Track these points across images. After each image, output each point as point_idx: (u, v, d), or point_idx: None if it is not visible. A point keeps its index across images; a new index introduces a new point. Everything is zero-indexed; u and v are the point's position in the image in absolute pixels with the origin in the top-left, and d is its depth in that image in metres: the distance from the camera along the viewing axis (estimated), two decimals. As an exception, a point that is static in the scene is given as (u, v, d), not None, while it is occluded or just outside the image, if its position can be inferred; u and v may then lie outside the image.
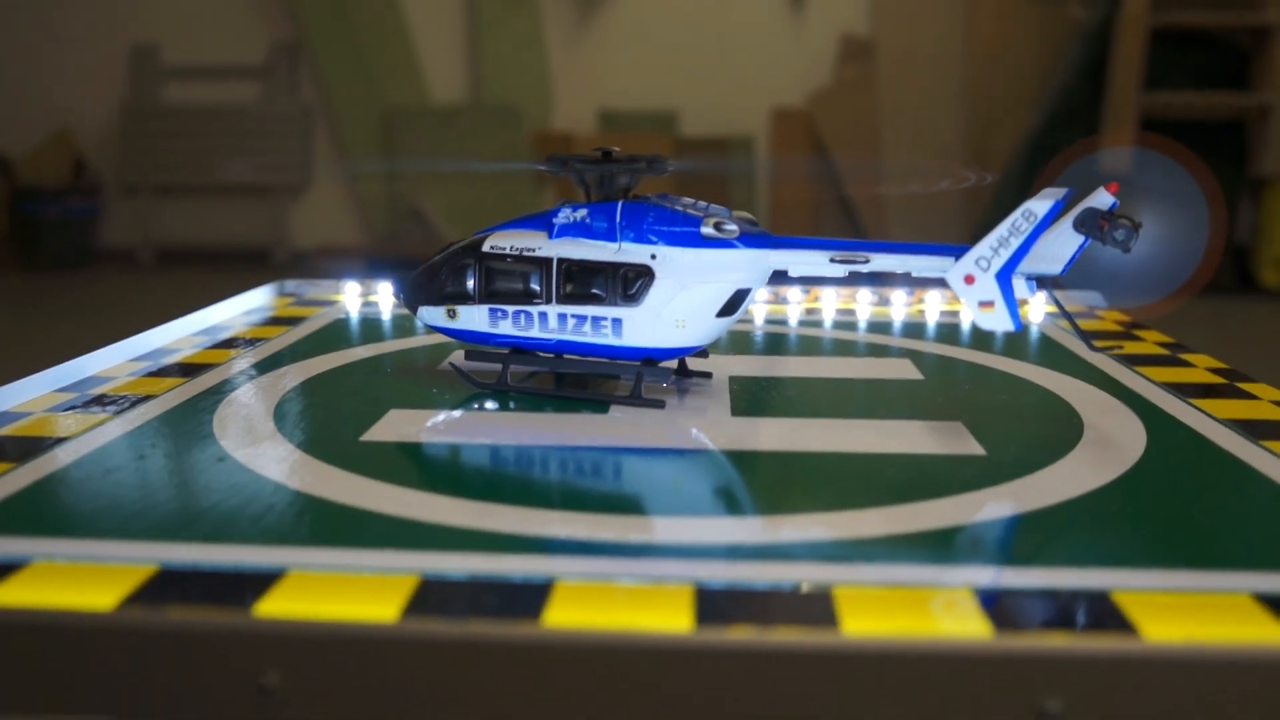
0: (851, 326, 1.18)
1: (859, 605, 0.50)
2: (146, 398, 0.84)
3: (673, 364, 0.89)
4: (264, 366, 0.95)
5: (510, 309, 0.84)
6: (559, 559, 0.56)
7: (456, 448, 0.75)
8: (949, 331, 1.16)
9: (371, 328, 1.13)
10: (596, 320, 0.82)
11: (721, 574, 0.54)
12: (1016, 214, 0.75)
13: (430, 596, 0.51)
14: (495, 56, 4.22)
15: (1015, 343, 1.12)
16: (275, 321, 1.15)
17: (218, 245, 4.27)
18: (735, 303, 0.82)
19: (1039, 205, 0.74)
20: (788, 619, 0.49)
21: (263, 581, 0.52)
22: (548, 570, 0.54)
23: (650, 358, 0.83)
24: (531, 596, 0.50)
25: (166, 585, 0.52)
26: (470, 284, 0.85)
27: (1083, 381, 0.93)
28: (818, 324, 1.20)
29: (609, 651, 0.47)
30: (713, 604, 0.50)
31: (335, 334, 1.10)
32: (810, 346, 1.11)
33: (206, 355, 0.99)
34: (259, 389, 0.87)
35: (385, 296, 1.25)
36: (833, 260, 0.80)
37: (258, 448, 0.73)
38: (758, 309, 1.26)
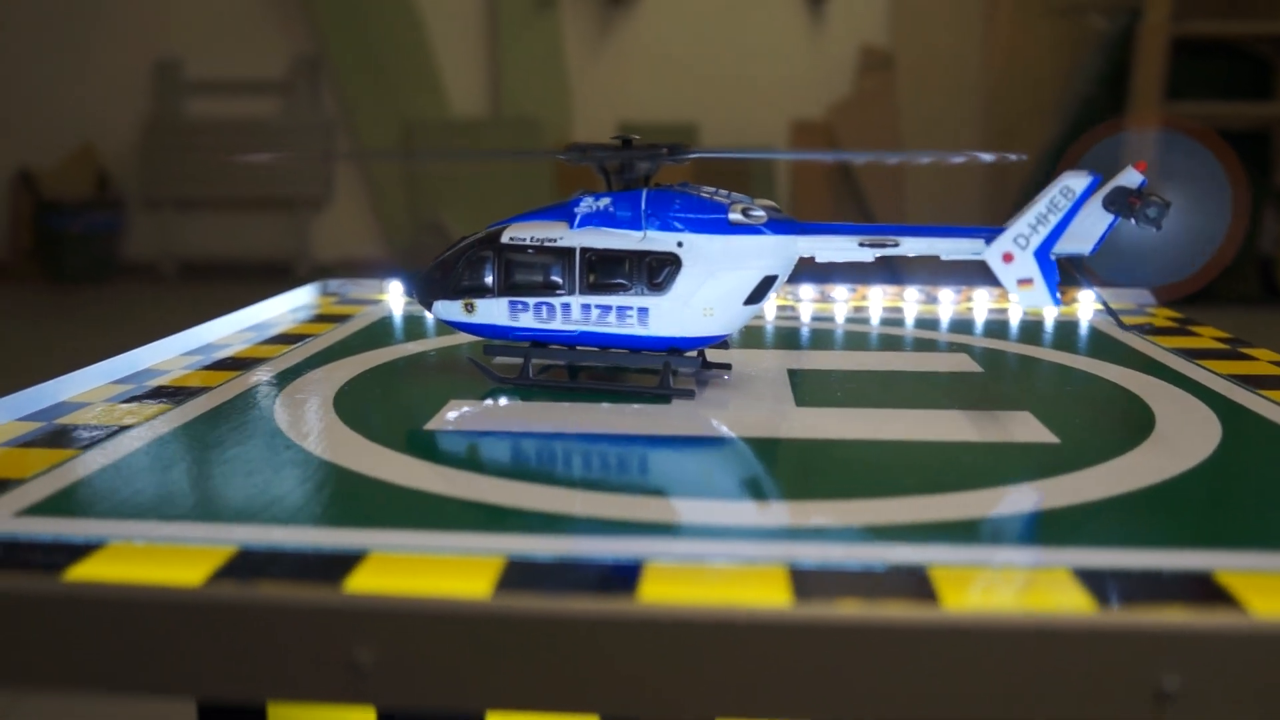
0: (900, 323, 1.17)
1: (959, 585, 0.49)
2: (204, 389, 0.83)
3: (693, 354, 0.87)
4: (316, 361, 0.94)
5: (531, 301, 0.82)
6: (646, 541, 0.55)
7: (524, 435, 0.74)
8: (998, 327, 1.15)
9: (417, 325, 1.12)
10: (622, 310, 0.80)
11: (814, 554, 0.53)
12: (1054, 191, 0.74)
13: (518, 578, 0.49)
14: (515, 70, 4.23)
15: (1066, 336, 1.10)
16: (321, 319, 1.14)
17: (239, 258, 4.28)
18: (762, 290, 0.80)
19: (1076, 182, 0.74)
20: (886, 596, 0.48)
21: (346, 562, 0.51)
22: (636, 552, 0.52)
23: (676, 347, 0.82)
24: (623, 577, 0.49)
25: (248, 566, 0.51)
26: (489, 277, 0.83)
27: (1143, 373, 0.91)
28: (865, 320, 1.18)
29: (712, 626, 0.46)
30: (808, 583, 0.49)
31: (383, 330, 1.09)
32: (861, 342, 1.10)
33: (258, 350, 0.98)
34: (315, 381, 0.87)
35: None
36: (861, 244, 0.79)
37: (323, 436, 0.72)
38: (804, 306, 1.24)
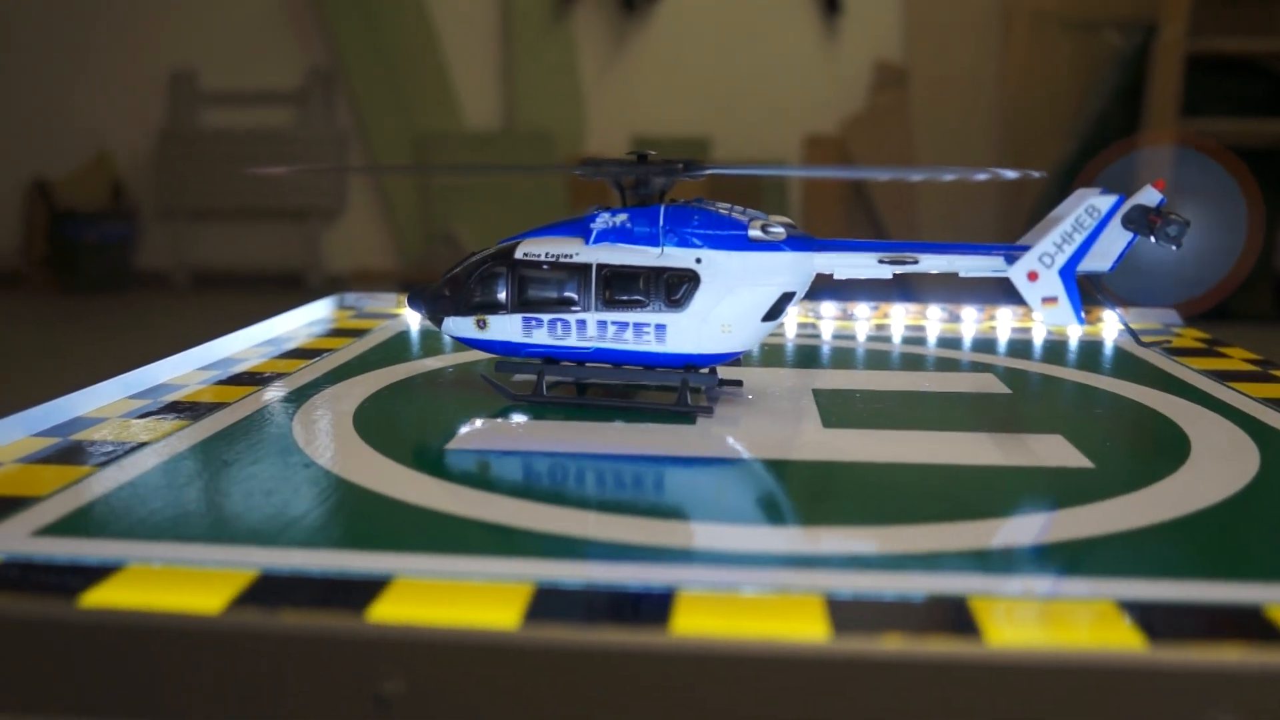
0: (922, 341, 1.16)
1: (1001, 617, 0.47)
2: (221, 404, 0.82)
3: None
4: (335, 376, 0.93)
5: (546, 317, 0.81)
6: (677, 568, 0.53)
7: (546, 455, 0.73)
8: (1022, 347, 1.13)
9: (434, 340, 1.11)
10: (639, 326, 0.79)
11: (850, 583, 0.51)
12: (1079, 210, 0.74)
13: (547, 605, 0.48)
14: (529, 83, 4.23)
15: (1091, 356, 1.09)
16: (338, 333, 1.13)
17: (252, 269, 4.28)
18: (780, 306, 0.80)
19: (1102, 201, 0.74)
20: (927, 629, 0.46)
21: (370, 588, 0.49)
22: (667, 579, 0.51)
23: (692, 364, 0.81)
24: (654, 606, 0.48)
25: (269, 591, 0.49)
26: (502, 293, 0.81)
27: (1173, 395, 0.90)
28: (886, 339, 1.17)
29: (749, 661, 0.44)
30: (845, 614, 0.48)
31: (400, 345, 1.08)
32: (884, 361, 1.08)
33: (274, 364, 0.97)
34: (334, 397, 0.85)
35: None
36: (881, 261, 0.79)
37: (342, 454, 0.70)
38: (825, 324, 1.23)
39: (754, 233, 0.79)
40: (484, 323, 0.82)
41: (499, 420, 0.80)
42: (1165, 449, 0.75)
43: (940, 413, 0.87)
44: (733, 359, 0.82)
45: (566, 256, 0.81)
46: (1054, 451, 0.74)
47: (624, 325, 0.80)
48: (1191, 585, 0.52)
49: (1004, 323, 1.23)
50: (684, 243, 0.79)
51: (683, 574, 0.52)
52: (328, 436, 0.75)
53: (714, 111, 4.20)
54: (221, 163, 4.16)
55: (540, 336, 0.81)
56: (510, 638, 0.45)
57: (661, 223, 0.80)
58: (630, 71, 4.28)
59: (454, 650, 0.45)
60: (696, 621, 0.46)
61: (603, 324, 0.80)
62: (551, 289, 0.81)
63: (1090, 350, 1.12)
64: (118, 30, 4.23)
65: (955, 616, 0.48)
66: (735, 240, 0.79)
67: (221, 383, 0.89)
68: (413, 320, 1.20)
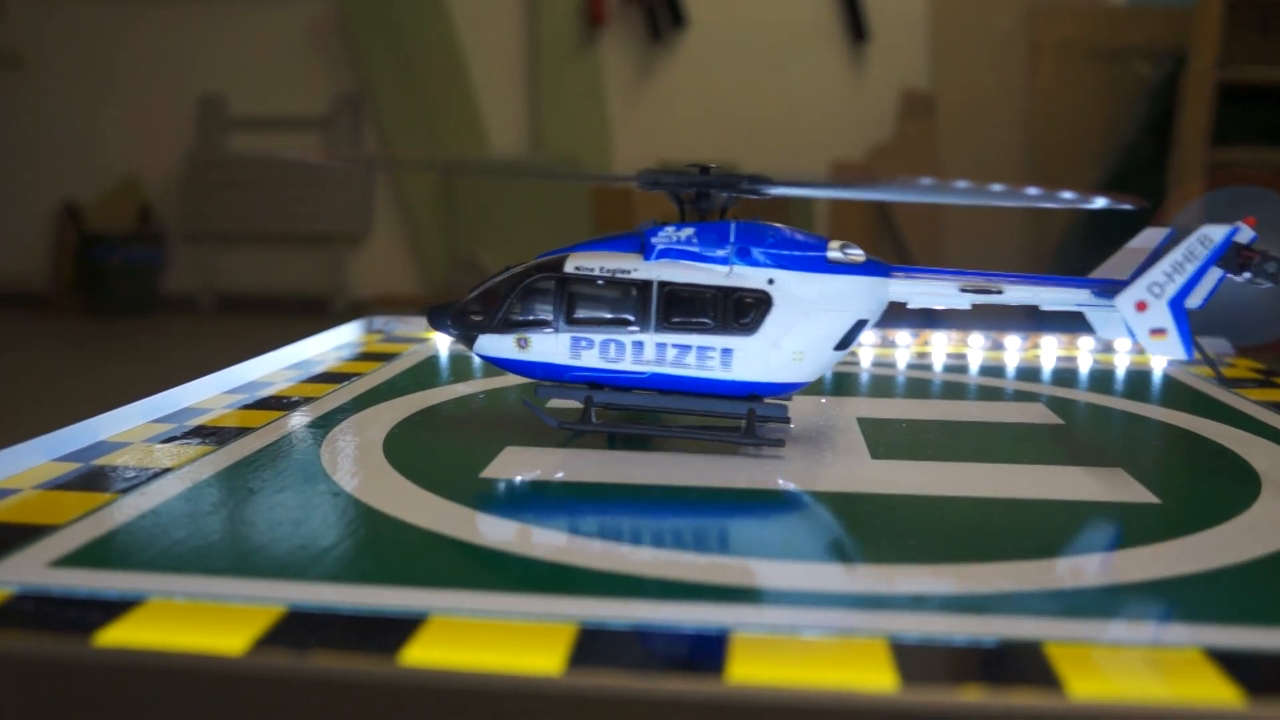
0: (964, 370, 1.12)
1: (1081, 665, 0.44)
2: (246, 430, 0.79)
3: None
4: (363, 401, 0.90)
5: (598, 338, 0.74)
6: (728, 608, 0.50)
7: (587, 487, 0.70)
8: (1068, 376, 1.10)
9: (464, 365, 1.08)
10: (703, 350, 0.73)
11: (914, 626, 0.48)
12: (1191, 240, 0.71)
13: (591, 647, 0.45)
14: (556, 108, 4.23)
15: (1138, 386, 1.05)
16: (366, 357, 1.11)
17: (277, 293, 4.28)
18: (853, 335, 0.75)
19: (1215, 232, 0.71)
20: (1002, 678, 0.43)
21: (404, 628, 0.46)
22: (721, 620, 0.48)
23: (757, 393, 0.75)
24: (708, 649, 0.45)
25: (297, 629, 0.46)
26: (549, 310, 0.75)
27: (1233, 426, 0.86)
28: (927, 367, 1.13)
29: (813, 713, 0.41)
30: (912, 660, 0.44)
31: (430, 370, 1.05)
32: (926, 389, 1.05)
33: (301, 389, 0.94)
34: (363, 423, 0.83)
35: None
36: (963, 290, 0.75)
37: (373, 483, 0.67)
38: (865, 351, 1.20)
39: (833, 254, 0.74)
40: (525, 342, 0.76)
41: (536, 449, 0.77)
42: (1232, 484, 0.71)
43: (990, 443, 0.84)
44: (799, 389, 0.77)
45: (624, 272, 0.74)
46: (1116, 486, 0.70)
47: (685, 349, 0.74)
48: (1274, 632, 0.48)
49: (1049, 351, 1.20)
50: (755, 262, 0.74)
51: (738, 614, 0.49)
52: (358, 464, 0.72)
53: (740, 138, 4.19)
54: (248, 188, 4.17)
55: (590, 359, 0.75)
56: (555, 684, 0.42)
57: (732, 238, 0.75)
58: (657, 98, 4.27)
59: (493, 697, 0.42)
60: (753, 668, 0.43)
61: (662, 346, 0.74)
62: (606, 307, 0.74)
63: (1138, 379, 1.09)
64: (146, 54, 4.26)
65: (1031, 664, 0.44)
66: (813, 262, 0.74)
67: (247, 407, 0.87)
68: (442, 345, 1.18)
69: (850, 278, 0.74)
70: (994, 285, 0.75)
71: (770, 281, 0.74)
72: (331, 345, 1.15)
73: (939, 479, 0.72)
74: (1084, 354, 1.19)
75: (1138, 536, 0.61)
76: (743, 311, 0.74)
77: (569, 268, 0.75)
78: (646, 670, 0.43)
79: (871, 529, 0.64)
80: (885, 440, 0.81)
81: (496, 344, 0.77)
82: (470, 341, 0.78)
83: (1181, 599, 0.53)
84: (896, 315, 0.83)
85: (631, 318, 0.74)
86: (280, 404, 0.88)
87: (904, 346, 1.22)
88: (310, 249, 4.31)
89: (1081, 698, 0.41)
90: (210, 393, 0.90)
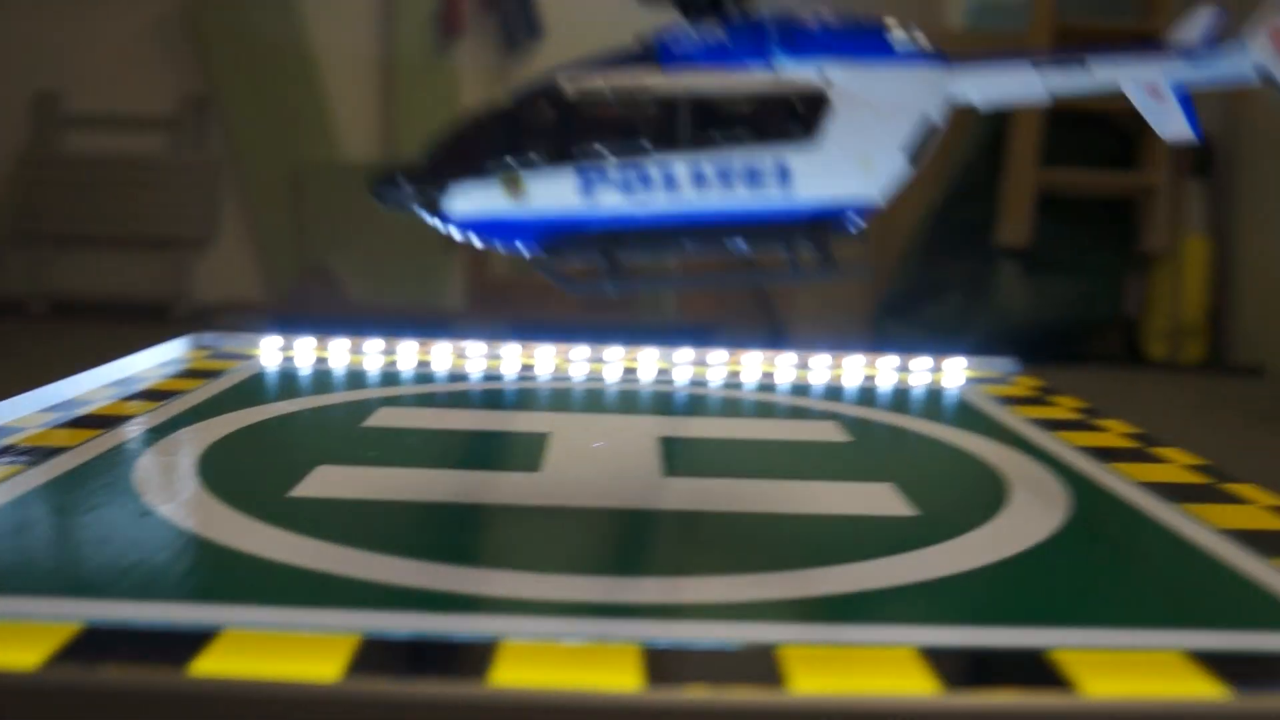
0: (771, 389, 1.20)
1: (806, 665, 0.50)
2: (60, 449, 0.80)
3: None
4: (184, 419, 0.92)
5: (614, 169, 0.59)
6: (502, 618, 0.55)
7: (389, 504, 0.74)
8: (869, 395, 1.18)
9: (290, 383, 1.11)
10: (752, 172, 0.60)
11: (667, 633, 0.54)
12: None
13: (372, 656, 0.49)
14: (410, 116, 4.22)
15: (932, 406, 1.14)
16: (192, 374, 1.12)
17: (116, 298, 4.16)
18: (923, 143, 0.64)
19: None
20: (728, 678, 0.49)
21: (196, 641, 0.50)
22: (492, 629, 0.53)
23: (822, 218, 0.62)
24: (476, 656, 0.50)
25: (93, 645, 0.50)
26: (546, 138, 0.59)
27: (1002, 445, 0.95)
28: (737, 386, 1.21)
29: (560, 712, 0.46)
30: (660, 664, 0.50)
31: (255, 387, 1.07)
32: (734, 408, 1.12)
33: (121, 407, 0.95)
34: (180, 443, 0.85)
35: (304, 348, 1.22)
36: (1040, 69, 0.64)
37: (183, 502, 0.70)
38: (680, 370, 1.26)
39: (898, 35, 0.63)
40: (517, 184, 0.60)
41: (346, 467, 0.81)
42: (985, 498, 0.80)
43: (776, 461, 0.91)
44: (870, 213, 0.65)
45: (640, 87, 0.60)
46: (882, 500, 0.78)
47: (728, 172, 0.60)
48: (982, 631, 0.56)
49: (852, 370, 1.28)
50: (803, 55, 0.61)
51: (505, 625, 0.54)
52: (171, 483, 0.74)
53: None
54: (85, 188, 4.04)
55: (608, 199, 0.60)
56: (327, 690, 0.46)
57: (772, 32, 0.62)
58: (511, 107, 4.30)
59: (270, 704, 0.46)
60: (515, 673, 0.48)
61: (699, 173, 0.60)
62: (621, 130, 0.60)
63: (932, 400, 1.18)
64: (-22, 48, 4.09)
65: (762, 666, 0.50)
66: (875, 47, 0.62)
67: (64, 425, 0.88)
68: (269, 362, 1.20)
69: (917, 68, 0.63)
70: (1075, 61, 0.65)
71: (825, 78, 0.62)
72: (156, 362, 1.16)
73: (720, 495, 0.78)
74: (884, 373, 1.27)
75: (883, 548, 0.68)
76: (797, 117, 0.61)
77: (565, 87, 0.61)
78: (418, 676, 0.47)
79: (646, 541, 0.70)
80: (679, 458, 0.88)
81: (478, 195, 0.61)
82: (435, 202, 0.62)
83: (910, 604, 0.60)
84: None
85: (657, 139, 0.60)
86: (99, 422, 0.89)
87: (717, 365, 1.29)
88: (151, 252, 4.20)
89: (799, 693, 0.48)
90: (26, 411, 0.91)
